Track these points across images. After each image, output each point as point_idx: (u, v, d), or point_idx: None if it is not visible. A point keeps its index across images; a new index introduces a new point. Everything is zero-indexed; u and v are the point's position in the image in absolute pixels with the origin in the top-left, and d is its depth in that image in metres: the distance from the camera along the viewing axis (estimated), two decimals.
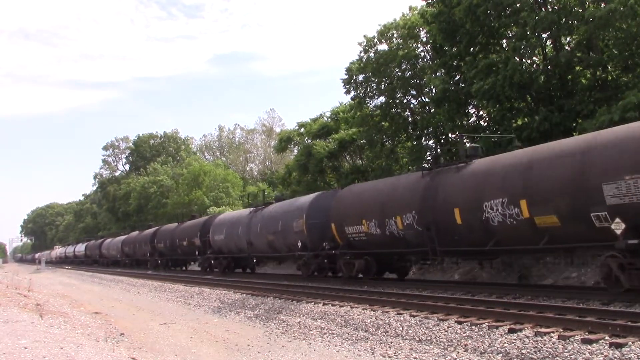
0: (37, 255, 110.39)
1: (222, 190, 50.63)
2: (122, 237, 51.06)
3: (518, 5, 18.61)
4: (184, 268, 38.68)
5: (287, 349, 9.87)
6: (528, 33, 18.54)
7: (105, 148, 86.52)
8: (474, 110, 23.64)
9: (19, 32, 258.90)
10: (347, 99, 32.92)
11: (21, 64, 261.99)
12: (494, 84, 18.49)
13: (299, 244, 20.13)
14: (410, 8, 27.21)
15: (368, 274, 17.59)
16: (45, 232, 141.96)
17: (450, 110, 21.94)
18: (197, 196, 50.05)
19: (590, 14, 16.59)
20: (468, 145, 15.00)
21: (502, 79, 18.21)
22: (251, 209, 25.50)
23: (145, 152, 77.43)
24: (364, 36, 27.92)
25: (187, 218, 37.74)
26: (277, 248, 22.37)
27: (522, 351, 7.71)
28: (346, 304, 12.90)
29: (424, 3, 23.88)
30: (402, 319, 10.60)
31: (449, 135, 25.95)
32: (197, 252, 31.15)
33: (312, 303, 13.77)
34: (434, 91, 25.25)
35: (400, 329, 10.05)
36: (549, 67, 19.24)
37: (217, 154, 73.42)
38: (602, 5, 16.95)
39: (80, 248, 71.35)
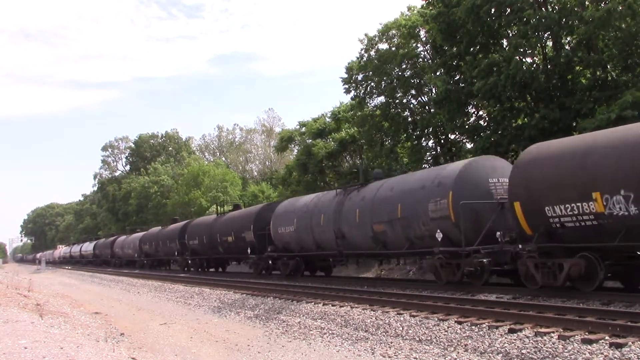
0: (38, 255, 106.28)
1: (219, 190, 50.49)
2: (140, 234, 44.62)
3: (519, 5, 18.63)
4: (220, 270, 32.07)
5: (287, 349, 9.87)
6: (529, 32, 18.56)
7: (104, 148, 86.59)
8: (473, 110, 23.68)
9: (19, 32, 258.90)
10: (347, 99, 33.00)
11: (22, 64, 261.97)
12: (495, 83, 18.51)
13: (439, 236, 14.01)
14: (409, 8, 27.25)
15: (588, 283, 11.06)
16: (45, 232, 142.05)
17: (451, 110, 21.99)
18: (195, 197, 50.00)
19: (589, 14, 16.62)
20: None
21: (505, 78, 18.23)
22: (337, 190, 19.61)
23: (146, 152, 77.46)
24: (365, 34, 27.96)
25: (231, 209, 30.26)
26: (388, 243, 16.14)
27: (522, 351, 7.71)
28: (346, 304, 12.89)
29: (424, 3, 23.91)
30: (402, 319, 10.60)
31: (449, 135, 25.98)
32: (249, 250, 24.57)
33: (312, 303, 13.76)
34: (434, 91, 25.27)
35: (400, 329, 10.05)
36: (549, 66, 19.27)
37: (217, 153, 73.52)
38: (602, 5, 16.98)
39: (88, 247, 64.61)
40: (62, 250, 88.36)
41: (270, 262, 22.82)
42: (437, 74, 23.85)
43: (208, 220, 31.32)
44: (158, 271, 37.66)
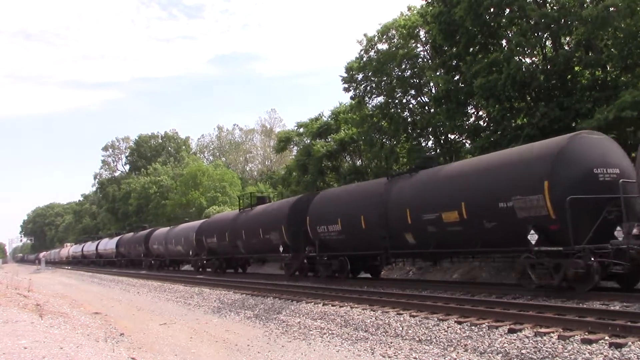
0: (41, 254, 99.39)
1: (218, 190, 50.23)
2: (196, 223, 32.75)
3: (519, 3, 18.64)
4: (364, 274, 19.76)
5: (287, 349, 9.86)
6: (529, 32, 18.56)
7: (105, 148, 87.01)
8: (473, 110, 23.69)
9: (20, 32, 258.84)
10: (347, 99, 33.05)
11: (22, 65, 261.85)
12: (496, 81, 18.52)
13: None
14: (409, 8, 27.27)
15: None
16: (45, 232, 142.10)
17: (450, 109, 21.99)
18: (194, 197, 49.85)
19: (587, 13, 16.61)
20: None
21: (505, 77, 18.24)
22: None
23: (146, 152, 77.61)
24: (364, 34, 27.98)
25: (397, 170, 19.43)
26: None
27: (522, 351, 7.71)
28: (346, 304, 12.90)
29: (424, 3, 23.93)
30: (402, 319, 10.60)
31: (449, 135, 25.99)
32: (500, 238, 12.55)
33: (312, 303, 13.76)
34: (433, 90, 25.26)
35: (400, 329, 10.05)
36: (548, 66, 19.28)
37: (217, 154, 73.62)
38: (600, 5, 16.96)
39: (108, 245, 53.88)
40: (70, 249, 77.02)
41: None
42: (437, 74, 23.86)
43: (372, 187, 17.77)
44: (231, 277, 26.36)
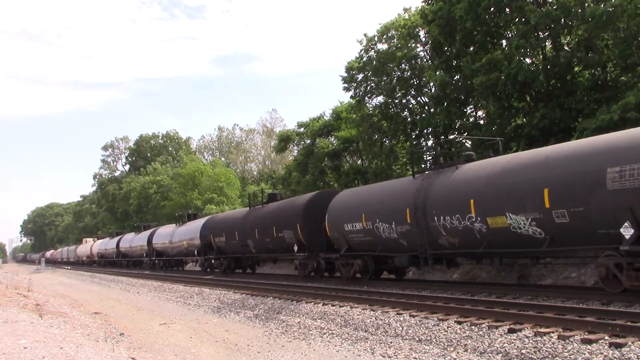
0: (47, 253, 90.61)
1: (214, 190, 49.78)
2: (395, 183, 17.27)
3: (518, 3, 18.62)
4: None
5: (287, 349, 9.86)
6: (529, 33, 18.54)
7: (105, 148, 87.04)
8: (472, 110, 23.68)
9: (21, 33, 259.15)
10: (347, 98, 33.05)
11: (24, 65, 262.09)
12: (496, 79, 18.48)
13: None
14: (405, 10, 27.33)
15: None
16: (45, 232, 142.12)
17: (449, 106, 21.97)
18: (192, 198, 49.63)
19: (590, 12, 16.57)
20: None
21: (505, 77, 18.20)
22: None
23: (146, 152, 77.58)
24: (364, 35, 28.00)
25: None
26: None
27: (522, 351, 7.71)
28: (346, 304, 12.90)
29: (423, 3, 23.91)
30: (402, 319, 10.60)
31: (448, 135, 25.97)
32: None
33: (312, 303, 13.76)
34: (433, 90, 25.24)
35: (400, 329, 10.05)
36: (549, 67, 19.27)
37: (217, 154, 73.63)
38: (603, 5, 16.93)
39: (178, 234, 32.77)
40: (95, 245, 58.33)
41: None
42: (437, 73, 23.86)
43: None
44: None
